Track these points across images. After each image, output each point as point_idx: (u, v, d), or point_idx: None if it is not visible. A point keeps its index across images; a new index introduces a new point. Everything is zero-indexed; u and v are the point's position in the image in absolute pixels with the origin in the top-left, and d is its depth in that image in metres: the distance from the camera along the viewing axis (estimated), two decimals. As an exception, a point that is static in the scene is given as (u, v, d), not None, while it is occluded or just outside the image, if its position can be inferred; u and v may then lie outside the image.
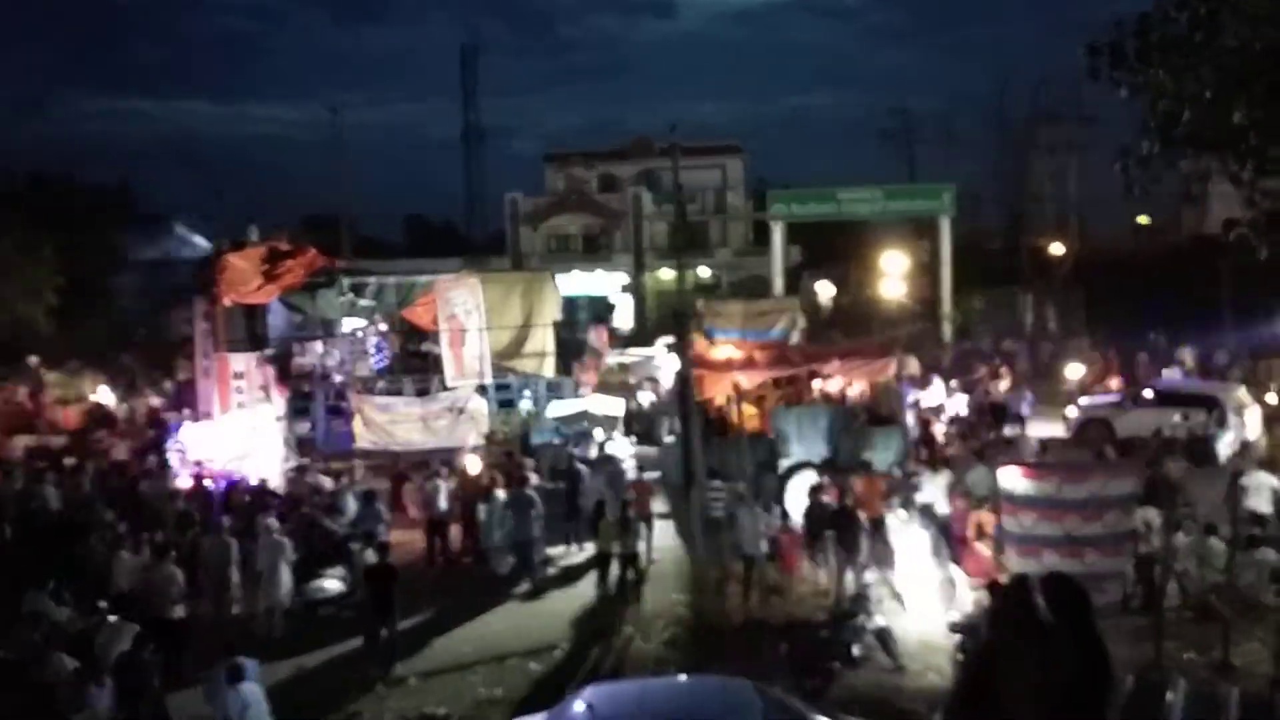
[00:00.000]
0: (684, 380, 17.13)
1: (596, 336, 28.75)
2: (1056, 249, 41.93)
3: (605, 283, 50.16)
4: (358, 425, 21.24)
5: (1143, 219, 47.95)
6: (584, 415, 20.34)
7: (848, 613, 12.90)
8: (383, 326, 23.40)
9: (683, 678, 10.47)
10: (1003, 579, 11.51)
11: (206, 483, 17.35)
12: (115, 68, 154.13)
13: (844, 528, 14.03)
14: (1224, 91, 6.36)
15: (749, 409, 19.74)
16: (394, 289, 21.97)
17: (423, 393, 21.85)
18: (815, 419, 18.10)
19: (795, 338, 24.21)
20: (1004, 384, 26.90)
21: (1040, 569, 10.12)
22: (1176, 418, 20.85)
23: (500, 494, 15.75)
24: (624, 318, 48.21)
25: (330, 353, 23.19)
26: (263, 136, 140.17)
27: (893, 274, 46.88)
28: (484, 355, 21.20)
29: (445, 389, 21.33)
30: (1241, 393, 21.98)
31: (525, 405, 21.99)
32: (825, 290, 48.16)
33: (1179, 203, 43.49)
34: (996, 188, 47.56)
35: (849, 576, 13.70)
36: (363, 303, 21.83)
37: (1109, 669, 2.04)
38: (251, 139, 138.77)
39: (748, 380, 19.41)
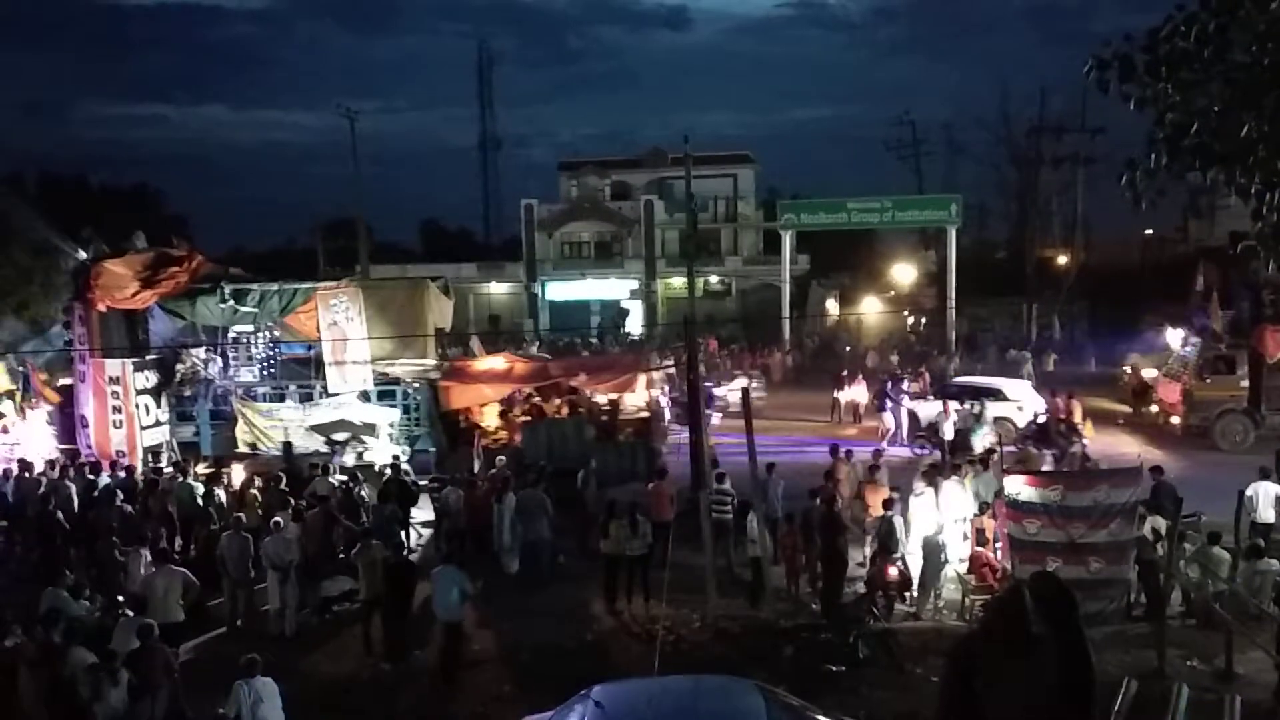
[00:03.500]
0: (692, 386, 17.21)
1: (478, 345, 27.48)
2: (1062, 260, 41.95)
3: (617, 288, 50.53)
4: (239, 429, 21.31)
5: (1148, 231, 47.99)
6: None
7: (850, 616, 13.00)
8: (277, 333, 23.38)
9: (689, 678, 10.47)
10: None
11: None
12: (134, 75, 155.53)
13: (826, 533, 14.04)
14: (1233, 106, 6.42)
15: (497, 421, 20.62)
16: (276, 296, 21.97)
17: (306, 398, 21.91)
18: (563, 431, 18.88)
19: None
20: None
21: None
22: (959, 408, 22.78)
23: (510, 495, 15.86)
24: (635, 322, 48.51)
25: (212, 359, 23.22)
26: (279, 142, 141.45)
27: (901, 283, 47.07)
28: (366, 362, 21.33)
29: (328, 395, 21.43)
30: (1020, 387, 24.51)
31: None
32: (832, 305, 48.47)
33: (1185, 215, 43.50)
34: (1002, 199, 47.66)
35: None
36: (244, 309, 21.85)
37: (1091, 676, 2.07)
38: (268, 145, 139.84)
39: (493, 391, 19.79)
